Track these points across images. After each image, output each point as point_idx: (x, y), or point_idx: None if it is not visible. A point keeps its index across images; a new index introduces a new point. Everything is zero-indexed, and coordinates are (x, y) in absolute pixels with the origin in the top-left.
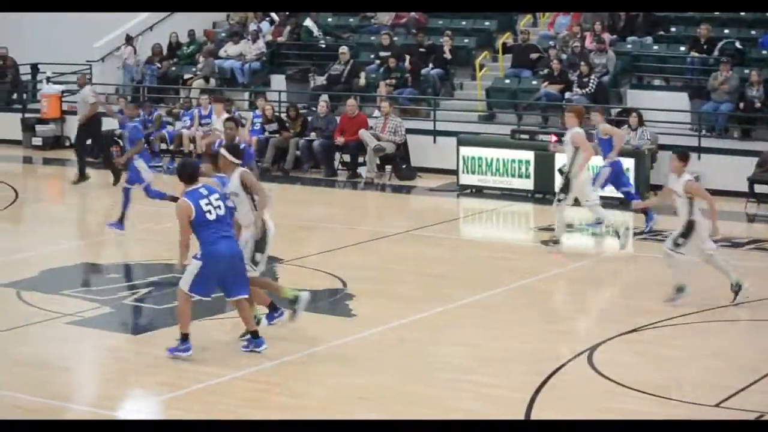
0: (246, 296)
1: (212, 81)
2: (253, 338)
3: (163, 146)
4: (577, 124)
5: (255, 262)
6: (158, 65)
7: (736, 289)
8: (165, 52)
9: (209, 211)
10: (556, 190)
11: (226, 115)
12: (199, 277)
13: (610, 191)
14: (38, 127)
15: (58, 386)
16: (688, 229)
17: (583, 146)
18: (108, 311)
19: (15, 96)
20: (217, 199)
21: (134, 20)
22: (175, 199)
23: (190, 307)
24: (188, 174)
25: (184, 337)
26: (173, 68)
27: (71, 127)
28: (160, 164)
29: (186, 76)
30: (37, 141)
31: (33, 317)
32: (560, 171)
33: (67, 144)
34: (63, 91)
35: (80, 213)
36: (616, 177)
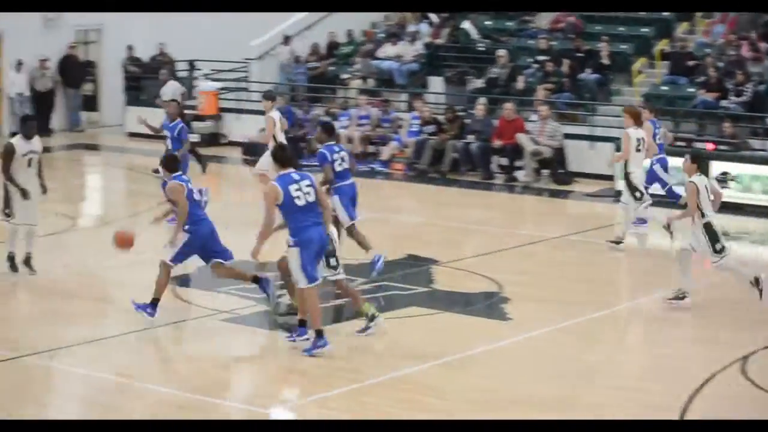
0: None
1: (370, 81)
2: (300, 326)
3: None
4: (632, 125)
5: (332, 266)
6: (317, 64)
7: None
8: (323, 51)
9: (298, 197)
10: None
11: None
12: (304, 265)
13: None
14: (195, 124)
15: (212, 383)
16: (709, 231)
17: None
18: (263, 309)
19: None
20: (308, 186)
21: (292, 19)
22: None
23: (317, 301)
24: (281, 158)
25: (318, 333)
26: (331, 68)
27: (228, 125)
28: (316, 163)
29: (343, 76)
30: (193, 138)
31: (188, 314)
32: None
33: (224, 141)
34: (220, 89)
35: (235, 210)
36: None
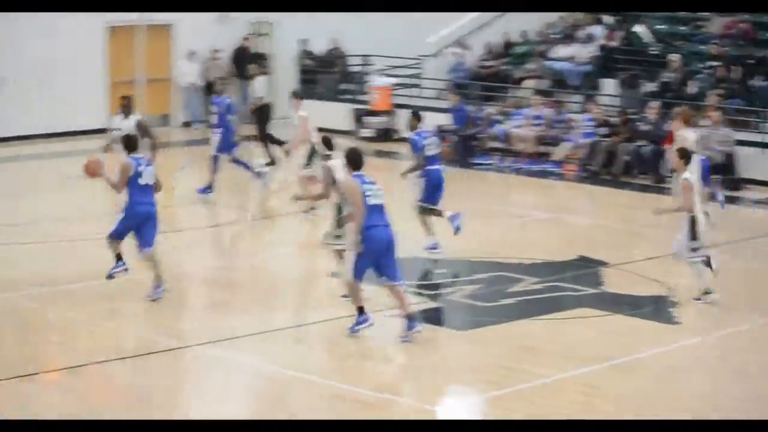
0: (399, 284)
1: (543, 81)
2: (409, 320)
3: (494, 144)
4: (682, 127)
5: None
6: (491, 63)
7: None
8: (498, 50)
9: (370, 196)
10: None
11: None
12: (357, 261)
13: None
14: (367, 119)
15: (382, 378)
16: (692, 227)
17: None
18: (434, 306)
19: (343, 87)
20: (378, 189)
21: (467, 18)
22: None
23: (359, 290)
24: (354, 160)
25: (360, 310)
26: (505, 67)
27: (401, 121)
28: (490, 162)
29: (517, 76)
30: (366, 132)
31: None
32: None
33: (396, 137)
34: (394, 85)
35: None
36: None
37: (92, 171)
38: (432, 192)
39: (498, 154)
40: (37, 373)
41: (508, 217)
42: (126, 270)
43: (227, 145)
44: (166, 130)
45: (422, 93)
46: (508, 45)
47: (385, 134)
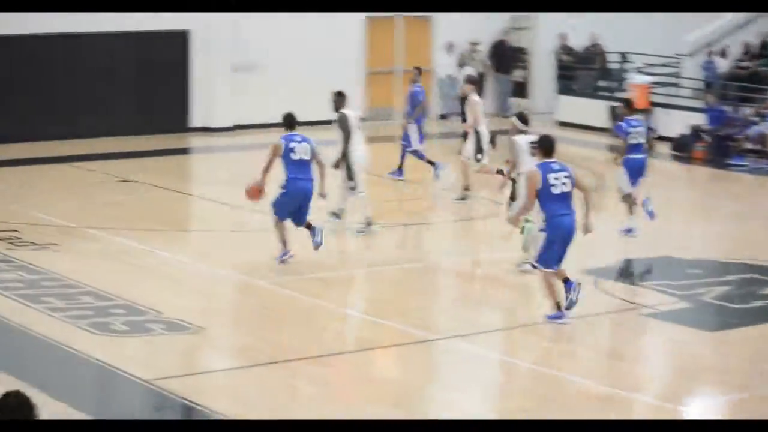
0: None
1: None
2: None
3: (749, 146)
4: None
5: None
6: (748, 63)
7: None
8: (755, 51)
9: (554, 185)
10: None
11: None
12: (545, 248)
13: None
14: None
15: (627, 376)
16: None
17: None
18: (685, 306)
19: (602, 83)
20: (566, 177)
21: (726, 17)
22: (431, 162)
23: (551, 281)
24: (545, 147)
25: (557, 306)
26: (763, 68)
27: (658, 119)
28: (745, 163)
29: None
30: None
31: (609, 306)
32: None
33: (654, 136)
34: (652, 83)
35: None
36: None
37: (253, 194)
38: (629, 179)
39: (753, 155)
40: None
41: (760, 219)
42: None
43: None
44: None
45: (679, 92)
46: (766, 45)
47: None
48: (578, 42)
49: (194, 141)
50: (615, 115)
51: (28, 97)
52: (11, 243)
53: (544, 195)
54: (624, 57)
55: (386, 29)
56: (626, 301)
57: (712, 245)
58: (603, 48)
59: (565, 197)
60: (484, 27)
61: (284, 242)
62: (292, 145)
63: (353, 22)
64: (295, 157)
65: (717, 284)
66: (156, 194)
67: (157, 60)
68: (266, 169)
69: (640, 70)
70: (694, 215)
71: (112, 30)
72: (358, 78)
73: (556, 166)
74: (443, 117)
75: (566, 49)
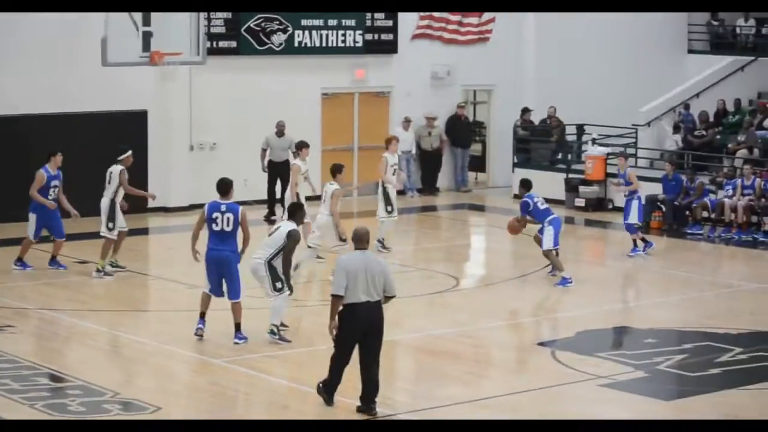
0: None
1: (756, 151)
2: None
3: (705, 214)
4: None
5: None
6: (704, 132)
7: None
8: (711, 119)
9: None
10: None
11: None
12: None
13: None
14: (581, 188)
15: None
16: None
17: None
18: (642, 375)
19: (560, 156)
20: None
21: (682, 86)
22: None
23: None
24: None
25: None
26: (718, 137)
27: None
28: (701, 232)
29: (730, 145)
30: (579, 202)
31: (566, 377)
32: None
33: (610, 207)
34: (608, 154)
35: (622, 276)
36: None
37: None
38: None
39: (709, 223)
40: None
41: (717, 286)
42: None
43: None
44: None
45: (637, 162)
46: (723, 113)
47: (598, 203)
48: (535, 115)
49: (151, 221)
50: (570, 187)
51: None
52: None
53: None
54: (580, 129)
55: (343, 105)
56: (583, 372)
57: (669, 314)
58: (560, 120)
59: None
60: (441, 102)
61: (202, 313)
62: (215, 215)
63: (310, 98)
64: (215, 228)
65: (674, 353)
66: (115, 276)
67: (113, 140)
68: (194, 237)
69: (595, 142)
70: (651, 285)
71: (71, 111)
72: (314, 156)
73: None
74: (400, 192)
75: (524, 122)
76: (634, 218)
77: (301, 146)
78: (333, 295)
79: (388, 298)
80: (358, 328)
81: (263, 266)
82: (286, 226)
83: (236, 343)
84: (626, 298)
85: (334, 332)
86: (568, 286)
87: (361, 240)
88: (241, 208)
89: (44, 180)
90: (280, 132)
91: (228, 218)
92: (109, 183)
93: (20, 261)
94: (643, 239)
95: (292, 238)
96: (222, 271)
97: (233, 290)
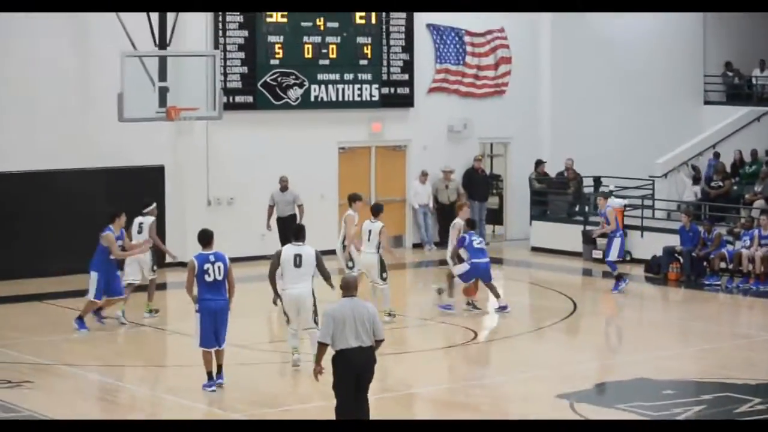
0: None
1: None
2: None
3: (723, 265)
4: None
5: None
6: (720, 183)
7: None
8: (728, 170)
9: None
10: None
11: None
12: None
13: None
14: (599, 241)
15: None
16: None
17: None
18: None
19: (577, 208)
20: None
21: (697, 138)
22: None
23: None
24: None
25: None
26: (735, 187)
27: (632, 241)
28: (719, 282)
29: (747, 195)
30: (597, 254)
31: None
32: None
33: (627, 258)
34: (625, 206)
35: (640, 327)
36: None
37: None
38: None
39: (727, 274)
40: None
41: (735, 337)
42: None
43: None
44: (399, 251)
45: (654, 214)
46: (740, 164)
47: None
48: (552, 167)
49: (169, 276)
50: (587, 239)
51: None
52: None
53: None
54: (597, 181)
55: (360, 159)
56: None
57: (687, 366)
58: (577, 173)
59: None
60: (458, 155)
61: (209, 373)
62: (206, 266)
63: (326, 152)
64: (209, 279)
65: (692, 404)
66: (131, 330)
67: (130, 195)
68: (189, 288)
69: (612, 194)
70: (669, 336)
71: (87, 166)
72: (331, 209)
73: None
74: (418, 246)
75: (538, 175)
76: (614, 255)
77: (355, 199)
78: (318, 342)
79: (378, 342)
80: (352, 372)
81: (310, 294)
82: (304, 249)
83: (220, 384)
84: (644, 349)
85: (319, 377)
86: (448, 311)
87: (348, 287)
88: (227, 255)
89: (114, 241)
90: (283, 187)
91: (219, 267)
92: (140, 233)
93: (80, 319)
94: (619, 276)
95: (318, 255)
96: (217, 319)
97: (223, 337)
